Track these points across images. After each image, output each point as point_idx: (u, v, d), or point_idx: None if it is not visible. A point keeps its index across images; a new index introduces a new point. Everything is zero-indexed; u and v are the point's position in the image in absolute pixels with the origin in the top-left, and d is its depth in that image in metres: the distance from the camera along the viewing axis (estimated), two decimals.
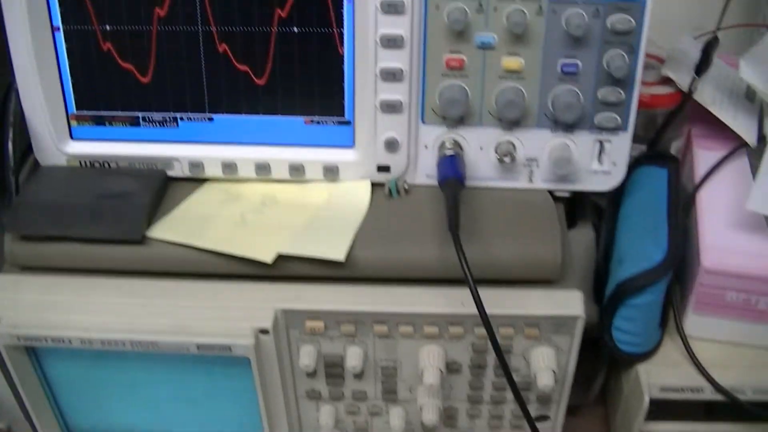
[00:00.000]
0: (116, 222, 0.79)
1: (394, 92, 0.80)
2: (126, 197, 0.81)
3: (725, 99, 0.90)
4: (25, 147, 0.87)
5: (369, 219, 0.81)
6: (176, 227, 0.80)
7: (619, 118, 0.80)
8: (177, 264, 0.80)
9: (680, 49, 0.97)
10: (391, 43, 0.78)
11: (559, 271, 0.79)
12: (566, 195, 0.85)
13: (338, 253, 0.77)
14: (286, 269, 0.78)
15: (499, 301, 0.77)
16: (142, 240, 0.79)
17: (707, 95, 0.90)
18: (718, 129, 0.91)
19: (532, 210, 0.82)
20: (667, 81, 0.94)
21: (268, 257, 0.77)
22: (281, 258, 0.78)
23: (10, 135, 0.83)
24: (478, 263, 0.73)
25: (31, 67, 0.81)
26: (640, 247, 0.82)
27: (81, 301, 0.80)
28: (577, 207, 0.89)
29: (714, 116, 0.90)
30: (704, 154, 0.90)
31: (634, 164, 0.87)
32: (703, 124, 0.93)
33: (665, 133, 0.93)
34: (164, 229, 0.80)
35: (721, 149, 0.90)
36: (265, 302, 0.78)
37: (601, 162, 0.83)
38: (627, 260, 0.82)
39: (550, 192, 0.84)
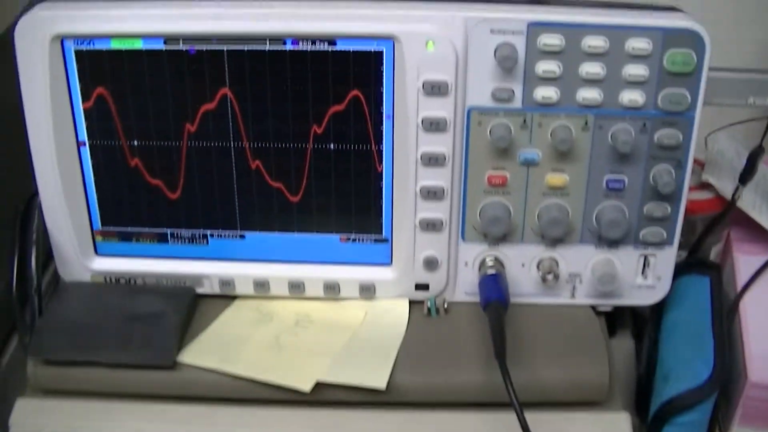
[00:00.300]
0: (146, 347, 0.76)
1: (435, 211, 0.77)
2: (155, 319, 0.78)
3: (764, 203, 0.88)
4: (45, 257, 0.83)
5: (408, 340, 0.78)
6: (208, 351, 0.77)
7: (665, 232, 0.78)
8: (210, 389, 0.77)
9: (718, 150, 0.95)
10: (433, 161, 0.75)
11: (606, 393, 0.76)
12: (608, 310, 0.83)
13: (379, 381, 0.74)
14: (324, 395, 0.75)
15: (546, 426, 0.74)
16: (173, 366, 0.76)
17: (748, 201, 0.88)
18: (758, 232, 0.89)
19: (576, 328, 0.80)
20: (706, 185, 0.92)
21: (306, 386, 0.74)
22: (319, 384, 0.75)
23: (34, 253, 0.80)
24: (523, 388, 0.70)
25: (56, 181, 0.79)
26: (686, 362, 0.80)
27: (108, 427, 0.76)
28: (616, 317, 0.86)
29: (752, 218, 0.88)
30: (745, 259, 0.88)
31: (675, 273, 0.85)
32: (741, 227, 0.91)
33: (706, 240, 0.91)
34: (196, 354, 0.77)
35: (762, 253, 0.88)
36: (302, 429, 0.75)
37: (645, 276, 0.81)
38: (673, 377, 0.80)
39: (593, 307, 0.82)
